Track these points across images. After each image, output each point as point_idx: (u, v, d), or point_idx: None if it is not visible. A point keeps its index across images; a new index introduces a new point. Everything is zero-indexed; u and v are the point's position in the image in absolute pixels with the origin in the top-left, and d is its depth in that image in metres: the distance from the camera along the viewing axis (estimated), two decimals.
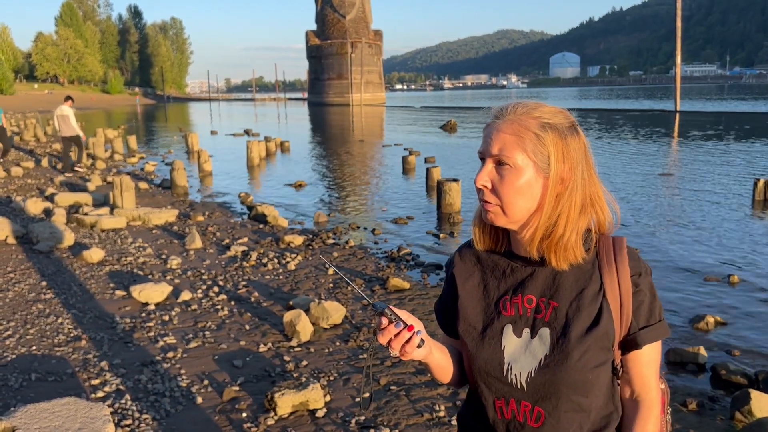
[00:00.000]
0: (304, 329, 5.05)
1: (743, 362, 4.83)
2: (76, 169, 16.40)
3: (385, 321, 1.25)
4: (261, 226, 9.71)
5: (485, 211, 1.33)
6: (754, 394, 3.86)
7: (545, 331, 1.32)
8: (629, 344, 1.35)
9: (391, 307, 1.26)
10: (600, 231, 1.37)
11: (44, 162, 17.84)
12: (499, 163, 1.29)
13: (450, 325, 1.48)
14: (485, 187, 1.31)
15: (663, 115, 40.74)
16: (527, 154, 1.28)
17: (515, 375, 1.33)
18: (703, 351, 4.80)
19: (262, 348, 4.89)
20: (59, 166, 16.94)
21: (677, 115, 38.86)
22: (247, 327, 5.35)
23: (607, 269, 1.33)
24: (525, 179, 1.28)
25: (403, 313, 1.26)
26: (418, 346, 1.27)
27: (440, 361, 1.42)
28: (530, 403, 1.33)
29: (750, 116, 37.18)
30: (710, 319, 5.59)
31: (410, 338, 1.25)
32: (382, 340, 1.25)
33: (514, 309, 1.36)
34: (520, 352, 1.33)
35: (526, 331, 1.34)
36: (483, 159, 1.33)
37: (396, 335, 1.25)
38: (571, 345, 1.28)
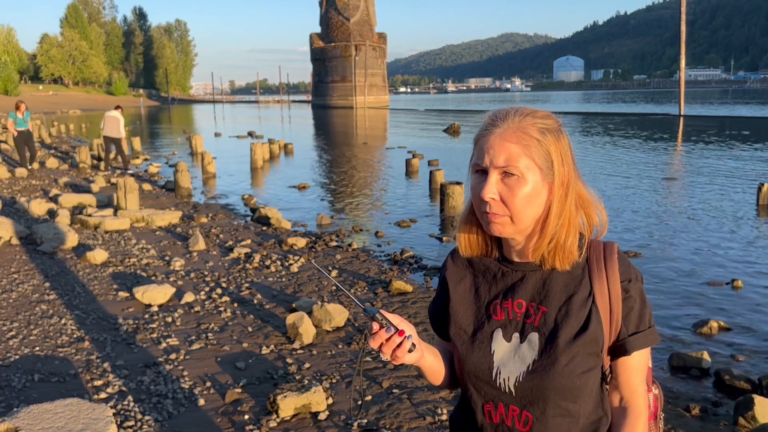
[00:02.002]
0: (307, 332, 5.05)
1: (747, 367, 4.81)
2: (127, 169, 17.30)
3: (376, 326, 1.26)
4: (264, 228, 9.72)
5: (490, 223, 1.31)
6: (758, 399, 3.84)
7: (534, 336, 1.32)
8: (618, 350, 1.35)
9: (382, 311, 1.26)
10: (590, 231, 1.37)
11: (48, 163, 17.90)
12: (505, 174, 1.27)
13: (442, 328, 1.49)
14: (493, 199, 1.28)
15: (667, 119, 40.69)
16: (534, 161, 1.27)
17: (504, 379, 1.33)
18: (706, 356, 4.79)
19: (265, 350, 4.89)
20: (102, 165, 18.17)
21: (681, 119, 38.81)
22: (250, 329, 5.35)
23: (597, 275, 1.33)
24: (533, 187, 1.27)
25: (394, 318, 1.27)
26: (409, 351, 1.27)
27: (432, 365, 1.42)
28: (518, 407, 1.33)
29: (754, 121, 37.11)
30: (714, 324, 5.57)
31: (401, 343, 1.26)
32: (374, 344, 1.26)
33: (504, 313, 1.36)
34: (509, 357, 1.34)
35: (516, 336, 1.34)
36: (484, 171, 1.30)
37: (387, 340, 1.25)
38: (559, 350, 1.29)
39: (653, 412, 1.47)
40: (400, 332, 1.25)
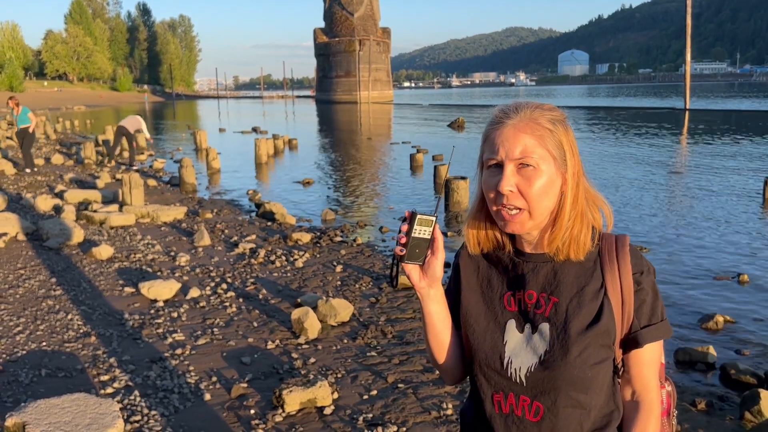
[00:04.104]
0: (312, 326, 5.06)
1: (753, 362, 4.80)
2: (132, 165, 17.50)
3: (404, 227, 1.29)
4: (269, 223, 9.73)
5: (508, 220, 1.30)
6: (764, 393, 3.84)
7: (545, 327, 1.33)
8: (630, 343, 1.35)
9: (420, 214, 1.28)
10: (598, 224, 1.37)
11: (54, 159, 17.94)
12: (521, 165, 1.28)
13: (455, 316, 1.48)
14: (511, 191, 1.28)
15: (672, 113, 40.51)
16: (548, 151, 1.28)
17: (515, 369, 1.34)
18: (712, 350, 4.78)
19: (270, 345, 4.90)
20: (104, 159, 18.35)
21: (687, 113, 38.63)
22: (255, 324, 5.37)
23: (608, 267, 1.34)
24: (549, 177, 1.28)
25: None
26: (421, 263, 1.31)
27: (442, 314, 1.40)
28: (529, 397, 1.33)
29: (760, 114, 36.91)
30: (720, 319, 5.56)
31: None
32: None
33: (516, 304, 1.37)
34: (521, 347, 1.34)
35: (527, 327, 1.35)
36: (497, 164, 1.30)
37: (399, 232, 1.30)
38: (571, 341, 1.29)
39: (666, 408, 1.46)
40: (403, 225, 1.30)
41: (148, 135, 18.28)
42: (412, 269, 1.31)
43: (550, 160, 1.28)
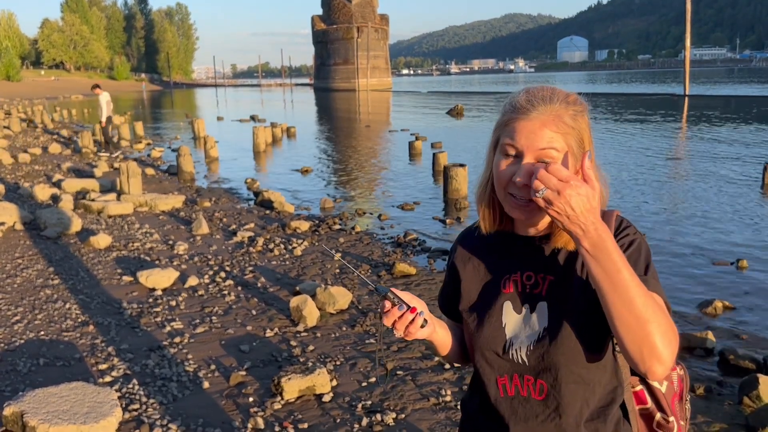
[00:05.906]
0: (311, 314, 5.05)
1: (751, 347, 4.80)
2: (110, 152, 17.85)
3: (388, 304, 1.29)
4: (267, 211, 9.71)
5: (523, 209, 1.29)
6: (763, 379, 3.83)
7: (543, 305, 1.34)
8: None
9: (393, 290, 1.30)
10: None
11: (51, 148, 17.89)
12: (540, 159, 1.26)
13: (453, 310, 1.51)
14: (527, 185, 1.26)
15: (672, 99, 40.38)
16: (570, 148, 1.27)
17: (516, 350, 1.36)
18: (711, 336, 4.78)
19: (269, 333, 4.90)
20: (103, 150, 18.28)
21: (686, 99, 38.51)
22: (254, 312, 5.36)
23: None
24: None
25: (405, 295, 1.30)
26: (421, 326, 1.31)
27: (444, 340, 1.47)
28: (533, 376, 1.35)
29: (760, 100, 36.80)
30: (719, 304, 5.56)
31: (413, 319, 1.30)
32: (387, 322, 1.30)
33: (512, 286, 1.38)
34: (521, 328, 1.36)
35: (525, 307, 1.36)
36: (516, 153, 1.28)
37: (400, 317, 1.29)
38: (567, 316, 1.31)
39: (678, 392, 1.47)
40: (412, 309, 1.29)
41: (111, 104, 18.59)
42: (421, 332, 1.34)
43: (570, 157, 1.28)
